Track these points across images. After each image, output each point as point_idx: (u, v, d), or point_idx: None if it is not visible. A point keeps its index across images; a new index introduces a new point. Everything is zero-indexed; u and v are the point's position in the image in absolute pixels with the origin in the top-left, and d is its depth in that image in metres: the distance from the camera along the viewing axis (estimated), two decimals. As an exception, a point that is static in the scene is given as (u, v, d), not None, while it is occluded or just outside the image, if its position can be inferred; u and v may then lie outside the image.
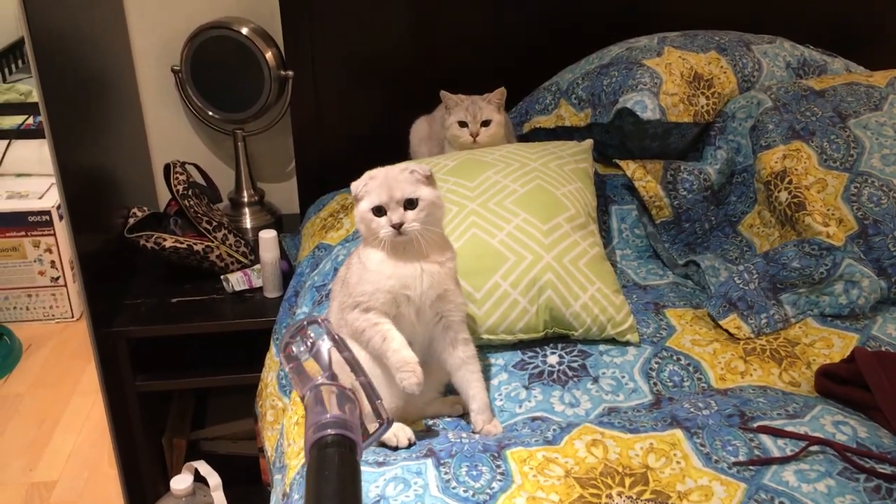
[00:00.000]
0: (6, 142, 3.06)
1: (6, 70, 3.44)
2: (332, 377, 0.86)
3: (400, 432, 1.32)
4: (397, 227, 1.28)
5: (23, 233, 2.91)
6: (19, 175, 3.09)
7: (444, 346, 1.38)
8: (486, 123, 1.84)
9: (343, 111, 2.23)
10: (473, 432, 1.38)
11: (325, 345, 0.88)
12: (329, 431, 0.77)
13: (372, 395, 0.90)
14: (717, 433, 1.29)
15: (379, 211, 1.29)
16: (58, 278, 3.00)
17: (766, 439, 1.28)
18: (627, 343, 1.54)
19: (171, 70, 2.20)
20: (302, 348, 0.89)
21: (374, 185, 1.29)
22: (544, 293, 1.54)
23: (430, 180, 1.32)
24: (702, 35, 2.01)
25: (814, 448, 1.25)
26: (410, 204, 1.28)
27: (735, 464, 1.23)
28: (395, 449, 1.32)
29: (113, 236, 1.99)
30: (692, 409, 1.36)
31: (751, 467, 1.23)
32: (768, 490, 1.19)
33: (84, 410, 2.62)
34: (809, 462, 1.23)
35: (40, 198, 2.94)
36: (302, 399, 0.84)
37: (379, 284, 1.31)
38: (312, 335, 0.90)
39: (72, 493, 2.30)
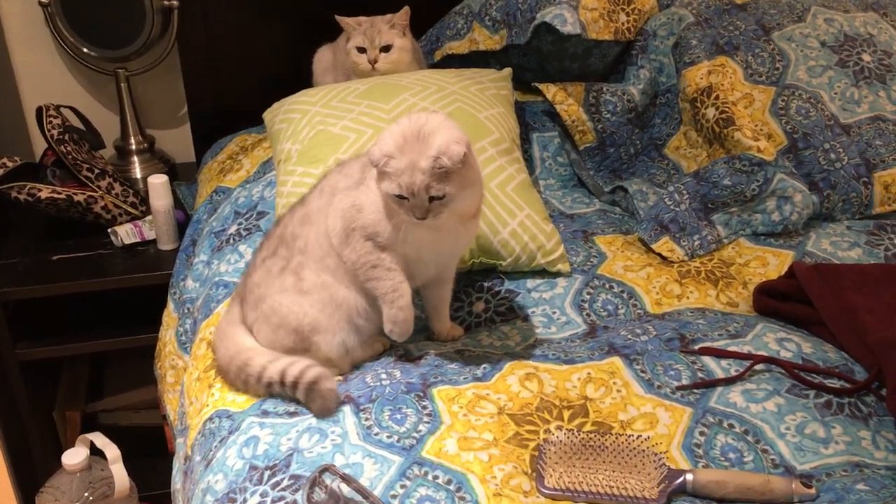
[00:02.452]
0: None
1: None
2: None
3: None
4: (423, 218, 1.09)
5: None
6: None
7: (437, 269, 1.26)
8: (386, 49, 1.67)
9: (238, 46, 2.04)
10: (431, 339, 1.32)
11: (345, 488, 0.98)
12: None
13: None
14: (657, 358, 1.20)
15: (403, 197, 1.09)
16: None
17: (708, 361, 1.20)
18: (559, 273, 1.43)
19: (38, 3, 1.95)
20: (323, 496, 0.97)
21: (396, 170, 1.07)
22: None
23: (463, 164, 1.08)
24: (618, -49, 1.89)
25: (759, 367, 1.18)
26: (437, 198, 1.08)
27: (678, 388, 1.15)
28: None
29: (-21, 190, 1.76)
30: (629, 336, 1.26)
31: (695, 391, 1.15)
32: (715, 413, 1.10)
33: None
34: (756, 381, 1.16)
35: None
36: None
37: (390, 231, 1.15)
38: (327, 482, 0.99)
39: (-44, 479, 2.08)
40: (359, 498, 0.97)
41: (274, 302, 1.21)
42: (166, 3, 1.96)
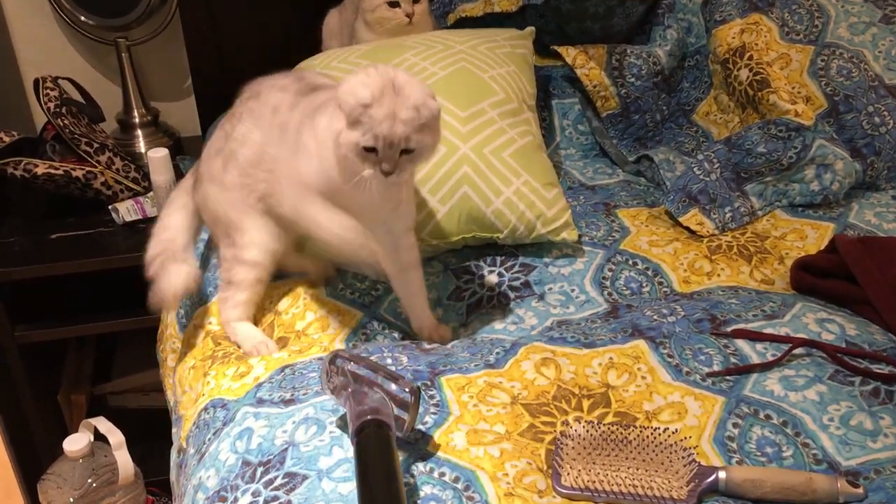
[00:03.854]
0: None
1: None
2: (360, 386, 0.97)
3: (261, 346, 1.22)
4: (387, 174, 1.03)
5: None
6: None
7: (387, 249, 1.20)
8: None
9: (243, 14, 1.95)
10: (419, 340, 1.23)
11: (351, 366, 0.99)
12: (367, 418, 0.91)
13: (392, 377, 0.97)
14: (686, 341, 1.10)
15: (371, 150, 1.02)
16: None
17: (742, 345, 1.10)
18: (563, 242, 1.33)
19: (34, -29, 1.88)
20: (341, 379, 0.99)
21: (373, 120, 1.01)
22: (459, 190, 1.31)
23: (436, 121, 1.05)
24: None
25: (798, 351, 1.08)
26: (408, 150, 1.03)
27: (709, 374, 1.05)
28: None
29: (-26, 167, 1.69)
30: (655, 317, 1.17)
31: (728, 377, 1.05)
32: (751, 402, 1.00)
33: (-24, 371, 2.33)
34: (795, 367, 1.05)
35: None
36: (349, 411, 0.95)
37: (326, 177, 1.09)
38: (340, 365, 0.99)
39: (-37, 464, 2.04)
40: (370, 373, 0.98)
41: (205, 191, 1.25)
42: (166, -33, 1.87)
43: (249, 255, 1.22)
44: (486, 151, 1.32)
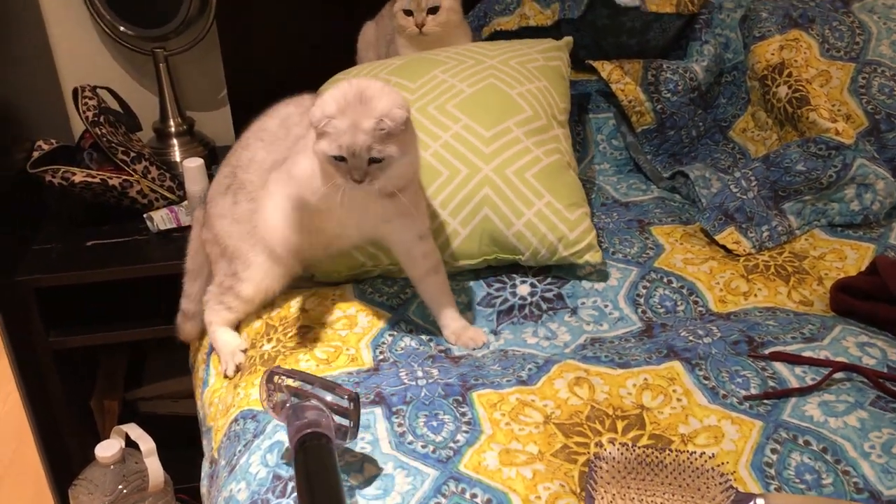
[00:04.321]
0: None
1: None
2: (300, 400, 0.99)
3: (230, 361, 1.27)
4: (358, 181, 1.07)
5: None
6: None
7: (399, 257, 1.25)
8: (433, 10, 1.58)
9: (279, 24, 1.96)
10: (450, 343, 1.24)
11: (288, 381, 1.00)
12: (306, 431, 0.92)
13: (328, 386, 0.98)
14: (722, 363, 1.09)
15: (341, 160, 1.06)
16: (-23, 232, 2.71)
17: (780, 368, 1.08)
18: (588, 264, 1.32)
19: (75, -19, 1.90)
20: (283, 396, 1.00)
21: (337, 131, 1.05)
22: (480, 212, 1.31)
23: (406, 129, 1.08)
24: (681, -83, 1.75)
25: (838, 375, 1.06)
26: (375, 160, 1.06)
27: (747, 398, 1.03)
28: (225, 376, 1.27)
29: (14, 175, 1.72)
30: (691, 338, 1.15)
31: (766, 401, 1.03)
32: (789, 427, 0.98)
33: (8, 374, 2.36)
34: (835, 392, 1.03)
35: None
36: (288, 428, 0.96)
37: (315, 184, 1.12)
38: (277, 382, 1.00)
39: (-3, 466, 2.07)
40: (307, 385, 1.00)
41: (215, 229, 1.29)
42: (204, -21, 1.89)
43: (246, 292, 1.27)
44: (509, 172, 1.32)
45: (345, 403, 0.95)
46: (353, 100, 1.05)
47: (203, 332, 1.39)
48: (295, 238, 1.21)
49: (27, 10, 1.92)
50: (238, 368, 1.25)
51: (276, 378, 1.00)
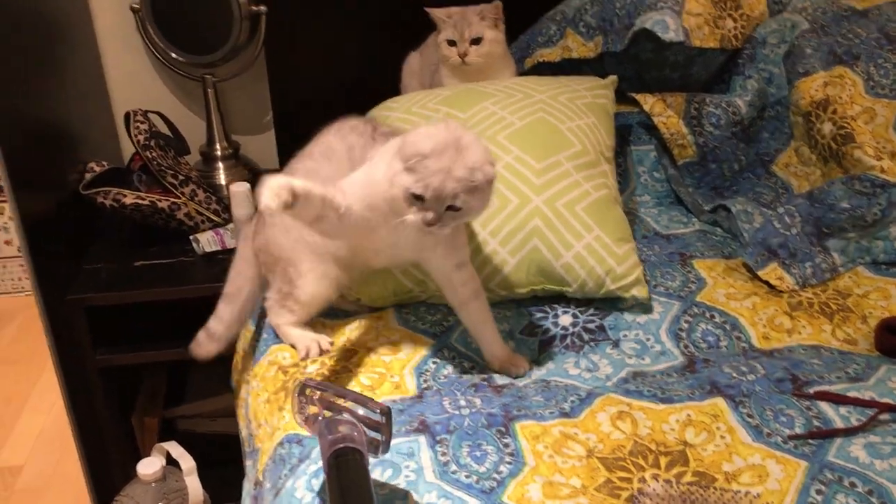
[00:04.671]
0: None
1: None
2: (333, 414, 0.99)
3: (312, 344, 1.27)
4: (429, 224, 1.07)
5: (-16, 199, 2.69)
6: (-19, 137, 2.86)
7: (439, 283, 1.25)
8: (476, 41, 1.61)
9: (324, 53, 2.00)
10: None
11: (320, 394, 1.01)
12: (338, 447, 0.91)
13: (360, 400, 0.99)
14: (766, 401, 1.09)
15: (419, 197, 1.06)
16: (25, 247, 2.78)
17: (825, 407, 1.07)
18: (634, 298, 1.33)
19: (130, 9, 1.96)
20: (314, 409, 1.01)
21: (427, 171, 1.04)
22: (529, 242, 1.32)
23: (489, 186, 1.08)
24: (725, -48, 1.77)
25: (884, 416, 1.05)
26: (454, 207, 1.07)
27: (791, 437, 1.03)
28: (305, 358, 1.27)
29: (68, 196, 1.77)
30: (734, 374, 1.15)
31: (811, 441, 1.03)
32: (835, 468, 0.98)
33: (54, 389, 2.39)
34: (881, 433, 1.03)
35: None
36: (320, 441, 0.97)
37: (366, 203, 1.11)
38: (309, 395, 1.02)
39: (39, 479, 2.11)
40: (339, 399, 1.00)
41: (267, 235, 1.31)
42: (254, 8, 1.94)
43: (303, 297, 1.28)
44: (559, 204, 1.33)
45: (377, 417, 0.96)
46: (448, 145, 1.05)
47: (226, 354, 1.42)
48: (332, 243, 1.23)
49: (83, 37, 1.98)
50: (323, 351, 1.26)
51: (307, 390, 1.01)
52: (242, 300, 1.40)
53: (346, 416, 0.97)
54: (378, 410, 0.96)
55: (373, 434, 0.96)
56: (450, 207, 1.06)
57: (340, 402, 1.00)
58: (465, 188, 1.04)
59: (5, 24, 1.55)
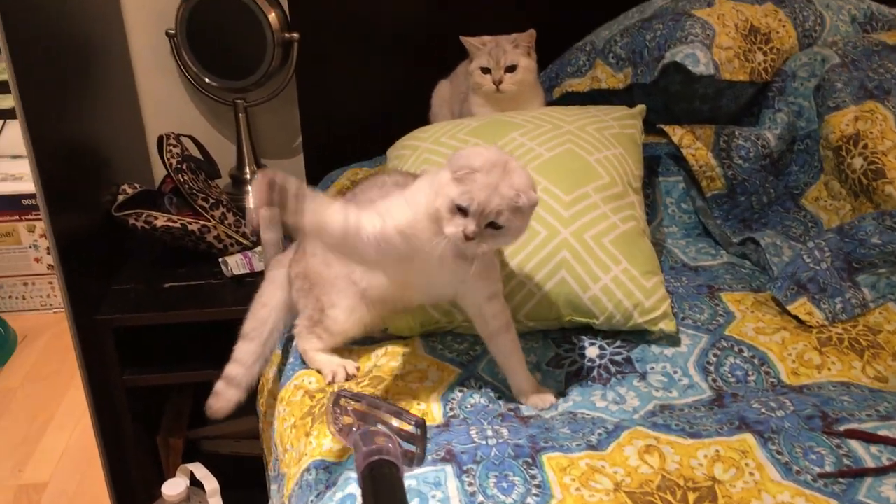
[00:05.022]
0: (1, 122, 2.88)
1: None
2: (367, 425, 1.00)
3: (339, 369, 1.29)
4: (469, 239, 1.07)
5: (17, 217, 2.74)
6: (15, 157, 2.92)
7: (469, 315, 1.26)
8: (511, 69, 1.63)
9: (353, 79, 2.03)
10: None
11: (355, 405, 1.02)
12: (373, 458, 0.90)
13: (395, 412, 1.00)
14: (795, 438, 1.08)
15: (462, 209, 1.07)
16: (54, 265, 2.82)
17: (856, 446, 1.06)
18: (661, 332, 1.32)
19: (165, 34, 2.00)
20: (349, 419, 1.02)
21: (475, 184, 1.06)
22: (557, 274, 1.32)
23: (530, 211, 1.10)
24: (755, -14, 1.78)
25: (916, 457, 1.04)
26: (495, 225, 1.08)
27: (821, 475, 1.02)
28: (331, 382, 1.29)
29: (100, 216, 1.80)
30: (763, 410, 1.14)
31: (841, 480, 1.01)
32: (866, 509, 0.97)
33: (79, 407, 2.43)
34: (913, 474, 1.02)
35: (36, 180, 2.76)
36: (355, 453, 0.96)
37: (404, 230, 1.11)
38: (343, 406, 1.03)
39: (62, 497, 2.12)
40: (374, 410, 1.01)
41: (307, 262, 1.32)
42: (287, 35, 1.97)
43: (333, 327, 1.31)
44: (587, 237, 1.34)
45: (412, 429, 0.97)
46: (496, 165, 1.07)
47: (246, 401, 1.39)
48: (369, 281, 1.25)
49: (119, 60, 2.02)
50: (349, 376, 1.28)
51: (342, 401, 1.01)
52: (266, 333, 1.40)
53: (380, 427, 0.98)
54: (413, 422, 0.97)
55: (407, 446, 0.96)
56: (490, 225, 1.07)
57: (375, 412, 1.00)
58: (508, 206, 1.06)
59: (44, 48, 1.59)
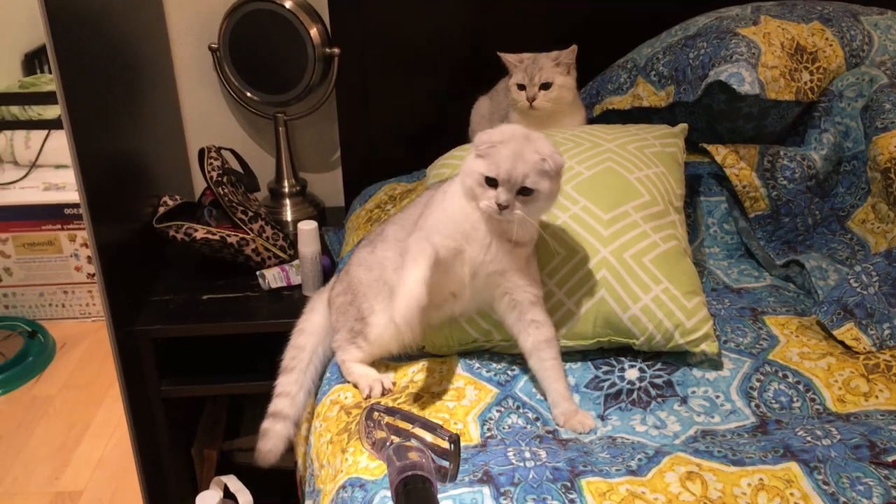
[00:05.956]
0: (45, 132, 2.93)
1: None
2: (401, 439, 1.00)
3: (375, 384, 1.29)
4: (502, 208, 1.14)
5: (59, 226, 2.78)
6: (58, 167, 2.96)
7: (512, 326, 1.26)
8: (545, 86, 1.62)
9: (393, 94, 2.04)
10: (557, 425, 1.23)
11: (388, 419, 1.03)
12: (408, 474, 0.91)
13: (429, 427, 1.00)
14: (842, 468, 1.05)
15: (491, 181, 1.14)
16: (94, 274, 2.85)
17: (906, 478, 1.03)
18: (703, 354, 1.30)
19: (208, 48, 2.02)
20: (382, 434, 1.03)
21: (499, 155, 1.14)
22: (596, 293, 1.31)
23: (557, 176, 1.18)
24: (801, 4, 1.75)
25: (970, 491, 1.00)
26: (526, 190, 1.15)
27: (870, 508, 0.99)
28: (368, 397, 1.29)
29: (141, 227, 1.82)
30: (809, 438, 1.11)
31: (891, 514, 0.99)
32: (918, 545, 0.94)
33: (116, 416, 2.46)
34: (967, 509, 0.98)
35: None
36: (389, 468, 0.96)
37: (447, 228, 1.20)
38: (377, 420, 1.05)
39: (97, 505, 2.14)
40: (408, 425, 1.02)
41: (351, 277, 1.34)
42: (328, 50, 1.98)
43: (372, 334, 1.31)
44: (627, 256, 1.32)
45: (446, 444, 0.97)
46: (518, 136, 1.15)
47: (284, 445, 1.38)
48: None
49: (162, 74, 2.05)
50: (385, 390, 1.28)
51: (375, 414, 1.01)
52: (306, 359, 1.40)
53: (414, 442, 0.98)
54: (447, 437, 0.96)
55: (441, 461, 0.96)
56: (521, 193, 1.13)
57: (408, 427, 1.00)
58: (534, 170, 1.13)
59: (91, 60, 1.61)
